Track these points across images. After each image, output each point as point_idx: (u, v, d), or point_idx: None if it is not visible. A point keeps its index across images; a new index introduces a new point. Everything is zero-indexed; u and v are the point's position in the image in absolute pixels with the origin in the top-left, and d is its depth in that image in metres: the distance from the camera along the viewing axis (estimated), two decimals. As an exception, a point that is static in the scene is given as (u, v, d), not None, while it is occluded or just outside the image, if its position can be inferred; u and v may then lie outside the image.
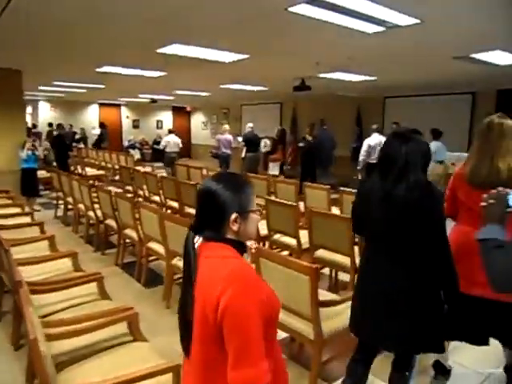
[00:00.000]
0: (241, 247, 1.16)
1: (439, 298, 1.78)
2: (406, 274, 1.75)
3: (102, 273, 2.75)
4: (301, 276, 2.18)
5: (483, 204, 1.34)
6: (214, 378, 1.08)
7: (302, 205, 5.29)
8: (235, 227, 1.13)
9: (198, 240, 1.16)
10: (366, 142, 7.31)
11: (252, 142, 9.53)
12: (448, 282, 1.74)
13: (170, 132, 10.87)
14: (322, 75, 6.68)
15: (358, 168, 7.55)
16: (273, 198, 5.76)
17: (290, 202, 4.18)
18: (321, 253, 3.65)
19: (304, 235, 3.81)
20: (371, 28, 3.72)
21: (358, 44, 4.36)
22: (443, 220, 1.77)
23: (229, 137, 9.84)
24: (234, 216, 1.12)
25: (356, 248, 3.34)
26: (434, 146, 6.64)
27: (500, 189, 1.33)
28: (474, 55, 4.98)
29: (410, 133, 1.79)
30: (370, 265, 1.90)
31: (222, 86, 8.88)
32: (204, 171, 7.03)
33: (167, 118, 17.58)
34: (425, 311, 1.76)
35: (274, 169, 9.56)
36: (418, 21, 3.49)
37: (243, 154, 9.61)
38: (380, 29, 3.72)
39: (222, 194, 1.12)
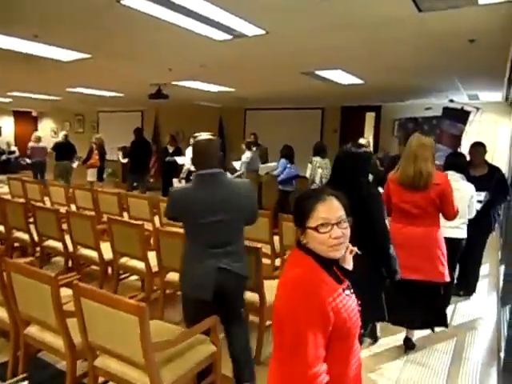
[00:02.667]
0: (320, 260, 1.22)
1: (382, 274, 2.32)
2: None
3: None
4: (128, 317, 1.80)
5: None
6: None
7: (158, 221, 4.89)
8: (303, 240, 1.24)
9: None
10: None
11: (64, 149, 9.05)
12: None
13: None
14: (178, 83, 6.38)
15: None
16: (125, 215, 5.24)
17: (137, 222, 3.73)
18: (172, 276, 3.31)
19: (153, 257, 3.42)
20: (219, 35, 3.56)
21: (209, 51, 4.19)
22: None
23: (42, 145, 10.01)
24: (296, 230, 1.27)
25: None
26: (246, 156, 6.90)
27: None
28: (318, 72, 5.28)
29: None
30: None
31: (69, 90, 7.89)
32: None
33: (7, 123, 15.16)
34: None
35: (92, 175, 9.37)
36: (263, 32, 3.45)
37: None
38: (228, 36, 3.59)
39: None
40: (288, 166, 6.69)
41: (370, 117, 9.49)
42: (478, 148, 4.08)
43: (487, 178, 3.96)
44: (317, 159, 6.04)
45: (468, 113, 6.39)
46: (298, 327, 1.10)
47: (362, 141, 6.05)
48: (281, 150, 6.98)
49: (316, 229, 1.20)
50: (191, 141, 2.99)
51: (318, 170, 6.00)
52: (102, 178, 10.01)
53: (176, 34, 3.57)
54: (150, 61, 4.90)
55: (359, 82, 5.85)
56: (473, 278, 4.25)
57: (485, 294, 4.33)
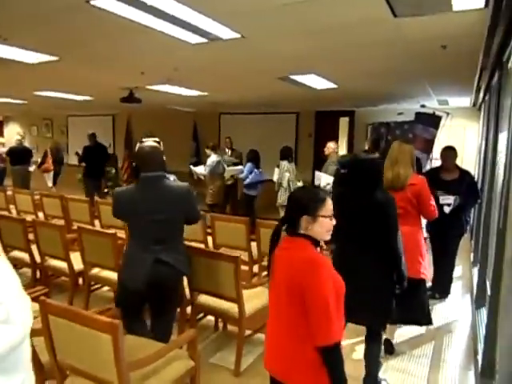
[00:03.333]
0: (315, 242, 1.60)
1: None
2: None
3: None
4: (100, 335, 1.68)
5: None
6: (296, 333, 1.51)
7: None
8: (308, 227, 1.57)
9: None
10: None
11: (19, 154, 8.78)
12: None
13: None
14: (151, 87, 6.23)
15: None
16: (97, 223, 5.06)
17: (109, 230, 3.59)
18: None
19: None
20: (194, 38, 3.48)
21: (183, 55, 4.09)
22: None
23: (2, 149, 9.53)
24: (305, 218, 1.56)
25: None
26: (211, 160, 6.81)
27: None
28: (293, 77, 5.27)
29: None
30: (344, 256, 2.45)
31: (37, 93, 7.58)
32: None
33: (-31, 127, 14.49)
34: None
35: (49, 181, 9.19)
36: (239, 35, 3.39)
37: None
38: (202, 40, 3.51)
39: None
40: (255, 170, 6.68)
41: (343, 121, 9.60)
42: (449, 152, 4.13)
43: (458, 181, 4.02)
44: (284, 163, 6.08)
45: (440, 117, 6.53)
46: (325, 293, 1.45)
47: (331, 145, 6.14)
48: (247, 153, 6.99)
49: (329, 217, 1.59)
50: (137, 145, 3.07)
51: (286, 173, 6.05)
52: (55, 183, 9.81)
53: (149, 37, 3.46)
54: (121, 64, 4.75)
55: (333, 86, 5.88)
56: (447, 281, 4.31)
57: (459, 296, 4.39)
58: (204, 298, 3.01)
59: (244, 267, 4.23)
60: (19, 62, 4.56)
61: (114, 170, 10.67)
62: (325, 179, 5.68)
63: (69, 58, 4.44)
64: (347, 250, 2.47)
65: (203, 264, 2.86)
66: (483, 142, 5.72)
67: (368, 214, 2.36)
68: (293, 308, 1.50)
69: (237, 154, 7.80)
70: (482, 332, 3.05)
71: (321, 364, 1.46)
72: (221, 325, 3.47)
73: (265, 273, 3.99)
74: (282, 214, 6.18)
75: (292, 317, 1.52)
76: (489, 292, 3.11)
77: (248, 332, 3.02)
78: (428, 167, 6.02)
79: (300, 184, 6.32)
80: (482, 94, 5.83)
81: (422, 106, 7.46)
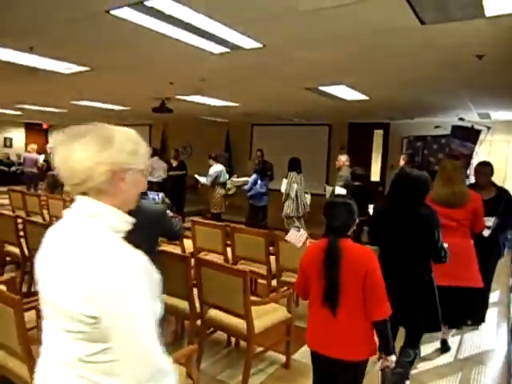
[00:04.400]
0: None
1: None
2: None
3: None
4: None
5: None
6: (356, 313, 1.92)
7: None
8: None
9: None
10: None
11: None
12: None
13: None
14: (182, 97, 6.32)
15: None
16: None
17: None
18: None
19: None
20: (215, 48, 3.47)
21: (207, 65, 4.09)
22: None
23: (34, 156, 10.06)
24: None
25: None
26: (214, 170, 6.92)
27: None
28: (322, 88, 5.16)
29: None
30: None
31: (73, 102, 7.90)
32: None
33: (18, 135, 15.34)
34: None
35: None
36: (260, 45, 3.34)
37: None
38: (224, 49, 3.49)
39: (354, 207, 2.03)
40: (259, 181, 6.69)
41: (378, 134, 9.33)
42: (483, 168, 3.80)
43: (495, 200, 3.71)
44: (293, 174, 6.07)
45: (478, 132, 6.18)
46: (381, 278, 1.91)
47: (342, 158, 6.09)
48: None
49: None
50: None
51: (294, 185, 6.01)
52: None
53: (171, 47, 3.48)
54: (150, 74, 4.84)
55: (364, 97, 5.72)
56: (481, 307, 3.98)
57: (494, 324, 4.05)
58: (214, 313, 2.92)
59: (262, 281, 4.15)
60: (50, 72, 4.74)
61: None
62: (338, 191, 5.59)
63: (98, 68, 4.57)
64: (394, 265, 2.56)
65: (213, 277, 2.78)
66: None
67: (414, 228, 2.52)
68: (356, 293, 1.89)
69: (268, 166, 7.73)
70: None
71: (373, 334, 1.95)
72: (233, 339, 3.37)
73: (284, 288, 3.86)
74: (286, 224, 6.09)
75: (354, 301, 1.91)
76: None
77: (259, 349, 2.91)
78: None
79: (308, 196, 6.27)
80: (526, 107, 5.46)
81: (461, 119, 7.10)
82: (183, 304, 2.96)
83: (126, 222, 1.05)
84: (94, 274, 0.92)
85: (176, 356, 2.07)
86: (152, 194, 3.09)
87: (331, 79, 4.72)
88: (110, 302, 0.92)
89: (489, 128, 6.64)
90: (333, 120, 9.39)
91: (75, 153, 0.98)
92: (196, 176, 7.49)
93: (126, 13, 2.73)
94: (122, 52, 3.91)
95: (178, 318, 3.39)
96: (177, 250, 4.58)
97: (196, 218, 4.82)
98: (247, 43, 3.31)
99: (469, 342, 3.63)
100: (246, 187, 6.77)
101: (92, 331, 0.94)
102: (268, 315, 2.90)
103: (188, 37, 3.20)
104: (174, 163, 8.32)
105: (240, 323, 2.71)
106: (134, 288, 0.94)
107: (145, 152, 1.08)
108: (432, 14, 2.57)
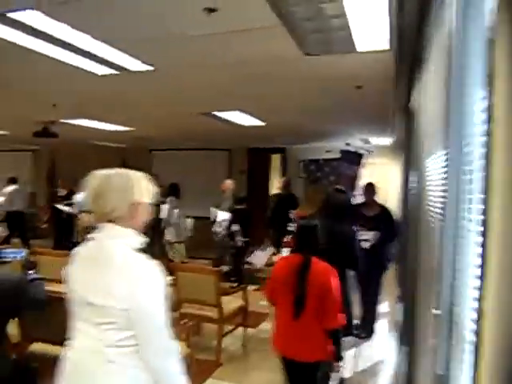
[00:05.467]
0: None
1: None
2: None
3: None
4: None
5: None
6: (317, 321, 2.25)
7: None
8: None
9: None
10: None
11: None
12: None
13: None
14: (67, 121, 5.84)
15: None
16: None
17: None
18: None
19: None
20: (99, 69, 3.25)
21: (92, 87, 3.83)
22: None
23: None
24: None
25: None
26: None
27: None
28: (217, 113, 5.18)
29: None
30: None
31: None
32: None
33: None
34: None
35: None
36: (150, 67, 3.22)
37: None
38: (110, 71, 3.29)
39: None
40: None
41: (275, 158, 9.71)
42: (368, 187, 4.24)
43: (378, 217, 4.07)
44: (172, 199, 6.02)
45: (361, 155, 6.77)
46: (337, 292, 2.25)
47: (227, 181, 6.39)
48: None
49: None
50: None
51: (175, 210, 5.97)
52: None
53: (48, 66, 3.18)
54: (25, 95, 4.37)
55: (260, 123, 5.89)
56: (371, 319, 4.24)
57: (385, 334, 4.34)
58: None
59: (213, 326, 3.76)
60: None
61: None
62: (221, 215, 5.71)
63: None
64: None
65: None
66: (402, 180, 5.96)
67: (344, 241, 2.92)
68: (318, 304, 2.20)
69: (164, 190, 7.49)
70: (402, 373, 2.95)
71: (327, 338, 2.26)
72: None
73: (185, 320, 3.64)
74: (168, 250, 6.00)
75: (315, 310, 2.21)
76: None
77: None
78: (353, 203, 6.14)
79: (189, 220, 6.31)
80: (398, 134, 6.14)
81: (347, 144, 7.74)
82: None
83: (140, 242, 1.40)
84: (130, 278, 1.30)
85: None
86: (12, 253, 2.71)
87: (224, 105, 4.77)
88: (139, 300, 1.29)
89: (369, 152, 7.32)
90: (232, 145, 9.53)
91: (107, 193, 1.37)
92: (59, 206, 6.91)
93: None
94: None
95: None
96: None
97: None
98: (134, 65, 3.16)
99: (363, 354, 3.81)
100: None
101: (122, 321, 1.29)
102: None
103: (66, 55, 2.94)
104: (63, 192, 7.62)
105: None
106: (156, 289, 1.33)
107: (151, 189, 1.47)
108: (313, 46, 2.73)
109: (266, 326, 4.15)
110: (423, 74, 2.22)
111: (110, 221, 1.37)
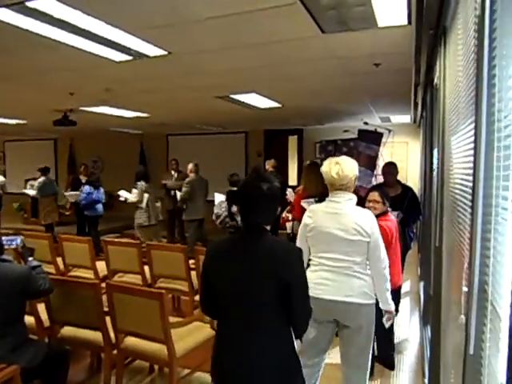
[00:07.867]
0: None
1: None
2: None
3: None
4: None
5: None
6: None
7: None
8: None
9: None
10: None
11: None
12: None
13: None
14: (86, 109, 5.90)
15: None
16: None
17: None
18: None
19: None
20: (116, 56, 3.25)
21: (110, 74, 3.84)
22: None
23: None
24: None
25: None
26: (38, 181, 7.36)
27: None
28: (234, 96, 5.14)
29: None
30: None
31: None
32: None
33: None
34: None
35: None
36: (165, 52, 3.20)
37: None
38: (126, 57, 3.29)
39: None
40: (91, 192, 6.90)
41: (292, 140, 9.63)
42: (389, 168, 4.15)
43: (400, 197, 4.00)
44: (142, 184, 6.05)
45: (381, 134, 6.64)
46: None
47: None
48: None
49: None
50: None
51: (145, 194, 6.02)
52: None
53: (66, 55, 3.20)
54: (44, 84, 4.42)
55: (277, 105, 5.83)
56: (394, 298, 4.22)
57: (408, 313, 4.33)
58: (132, 341, 2.70)
59: (185, 298, 3.98)
60: None
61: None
62: (218, 197, 5.69)
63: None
64: None
65: (127, 302, 2.56)
66: (423, 159, 5.84)
67: None
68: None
69: (183, 175, 7.52)
70: (427, 352, 2.95)
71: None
72: (156, 366, 3.15)
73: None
74: (138, 234, 6.07)
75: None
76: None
77: (186, 371, 2.76)
78: (374, 183, 6.06)
79: (158, 204, 6.41)
80: (419, 111, 5.99)
81: (365, 123, 7.60)
82: (96, 335, 2.69)
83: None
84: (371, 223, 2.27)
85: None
86: (7, 240, 2.78)
87: (240, 87, 4.72)
88: (376, 236, 2.24)
89: (390, 131, 7.18)
90: (249, 127, 9.49)
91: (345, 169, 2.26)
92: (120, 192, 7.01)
93: (5, 15, 2.42)
94: (12, 60, 3.49)
95: (93, 350, 3.10)
96: (89, 273, 4.23)
97: (108, 238, 4.50)
98: (151, 51, 3.15)
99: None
100: (80, 198, 6.93)
101: (363, 249, 2.24)
102: (191, 336, 2.75)
103: (84, 43, 2.95)
104: (84, 179, 7.75)
105: (160, 349, 2.52)
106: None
107: None
108: (331, 23, 2.66)
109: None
110: (447, 47, 2.15)
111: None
